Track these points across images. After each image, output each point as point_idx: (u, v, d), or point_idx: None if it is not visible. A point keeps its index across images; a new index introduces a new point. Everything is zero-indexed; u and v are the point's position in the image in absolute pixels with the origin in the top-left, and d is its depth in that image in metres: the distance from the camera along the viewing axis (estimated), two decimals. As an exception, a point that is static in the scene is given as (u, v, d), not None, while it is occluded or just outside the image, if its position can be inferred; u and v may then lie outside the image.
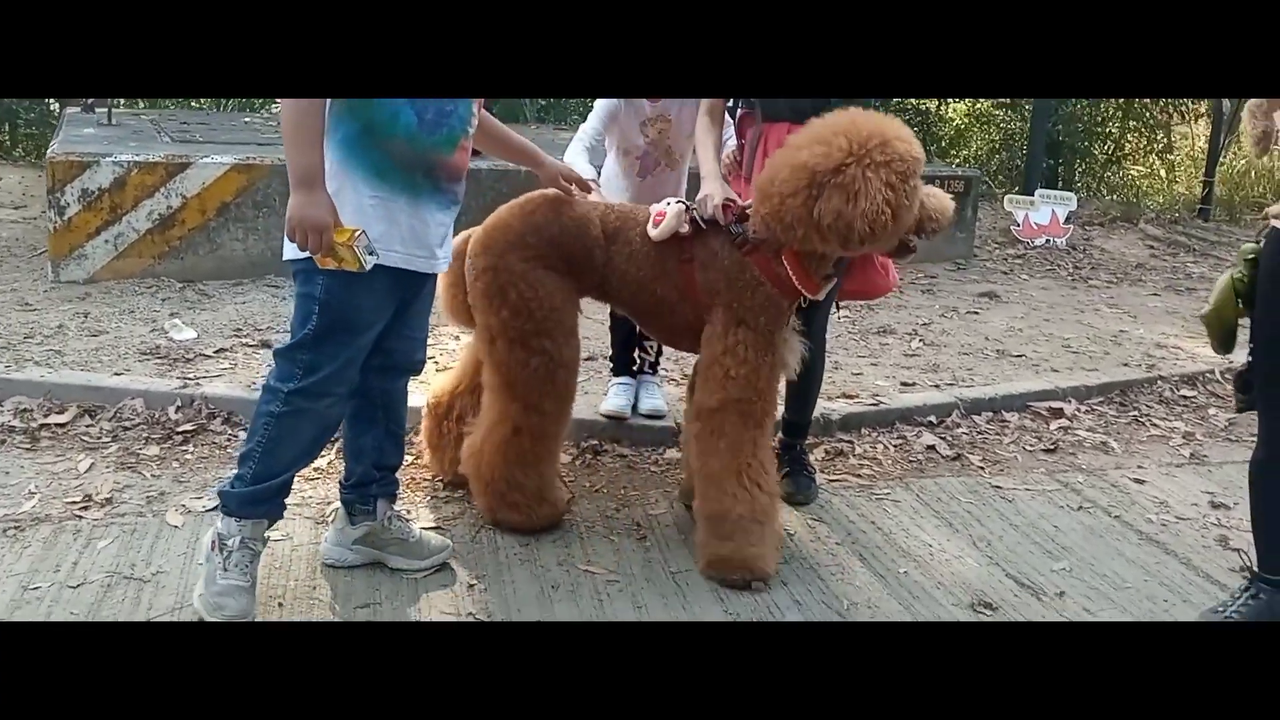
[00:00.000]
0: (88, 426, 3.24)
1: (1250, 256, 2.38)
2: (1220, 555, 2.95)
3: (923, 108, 11.80)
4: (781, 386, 2.75)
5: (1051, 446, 3.70)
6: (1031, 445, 3.72)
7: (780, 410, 3.08)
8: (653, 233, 2.65)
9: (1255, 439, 3.93)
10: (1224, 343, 2.54)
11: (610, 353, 3.61)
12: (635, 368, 3.53)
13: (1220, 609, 2.49)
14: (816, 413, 3.66)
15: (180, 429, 3.24)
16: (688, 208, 2.65)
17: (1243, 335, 2.49)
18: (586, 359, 3.67)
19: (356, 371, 2.30)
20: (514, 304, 2.61)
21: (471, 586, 2.53)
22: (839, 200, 2.32)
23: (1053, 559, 2.88)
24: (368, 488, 2.51)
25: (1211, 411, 4.17)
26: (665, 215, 2.65)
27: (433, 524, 2.81)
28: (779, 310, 2.57)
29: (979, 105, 12.31)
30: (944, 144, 12.38)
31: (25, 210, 6.12)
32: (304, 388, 2.23)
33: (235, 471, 2.31)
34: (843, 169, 2.32)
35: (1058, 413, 3.99)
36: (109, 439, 3.18)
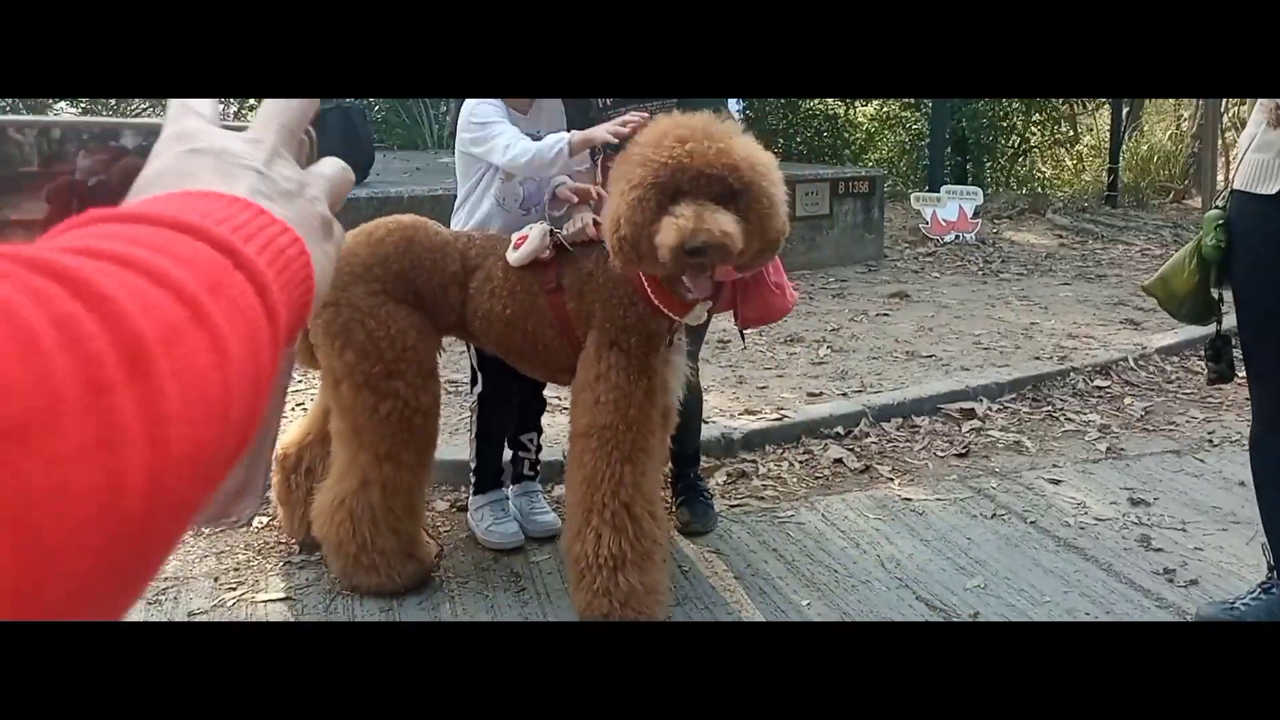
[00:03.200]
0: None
1: (1219, 222, 2.25)
2: (1143, 557, 2.77)
3: (831, 113, 11.78)
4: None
5: (963, 450, 3.52)
6: (943, 450, 3.53)
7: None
8: (512, 257, 2.39)
9: (1171, 427, 3.83)
10: (1185, 312, 2.42)
11: (473, 464, 2.82)
12: (508, 476, 2.90)
13: (1229, 604, 2.35)
14: (717, 433, 3.45)
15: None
16: (551, 230, 2.40)
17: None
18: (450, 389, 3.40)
19: None
20: (360, 344, 2.33)
21: (320, 664, 2.23)
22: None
23: (966, 576, 2.67)
24: None
25: (1127, 401, 4.03)
26: (527, 238, 2.39)
27: (282, 595, 2.51)
28: (652, 331, 2.32)
29: (887, 108, 12.33)
30: (856, 148, 12.38)
31: None
32: None
33: None
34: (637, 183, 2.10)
35: (969, 413, 3.82)
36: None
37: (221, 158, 0.47)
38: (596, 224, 2.37)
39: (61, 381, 0.28)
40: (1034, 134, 11.75)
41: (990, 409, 3.87)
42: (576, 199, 2.55)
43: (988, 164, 11.31)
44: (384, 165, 5.54)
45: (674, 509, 2.95)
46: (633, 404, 2.27)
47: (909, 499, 3.14)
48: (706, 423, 3.54)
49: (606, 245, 2.19)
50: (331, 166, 0.55)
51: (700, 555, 2.77)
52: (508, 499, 2.87)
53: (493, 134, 2.46)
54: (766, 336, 4.74)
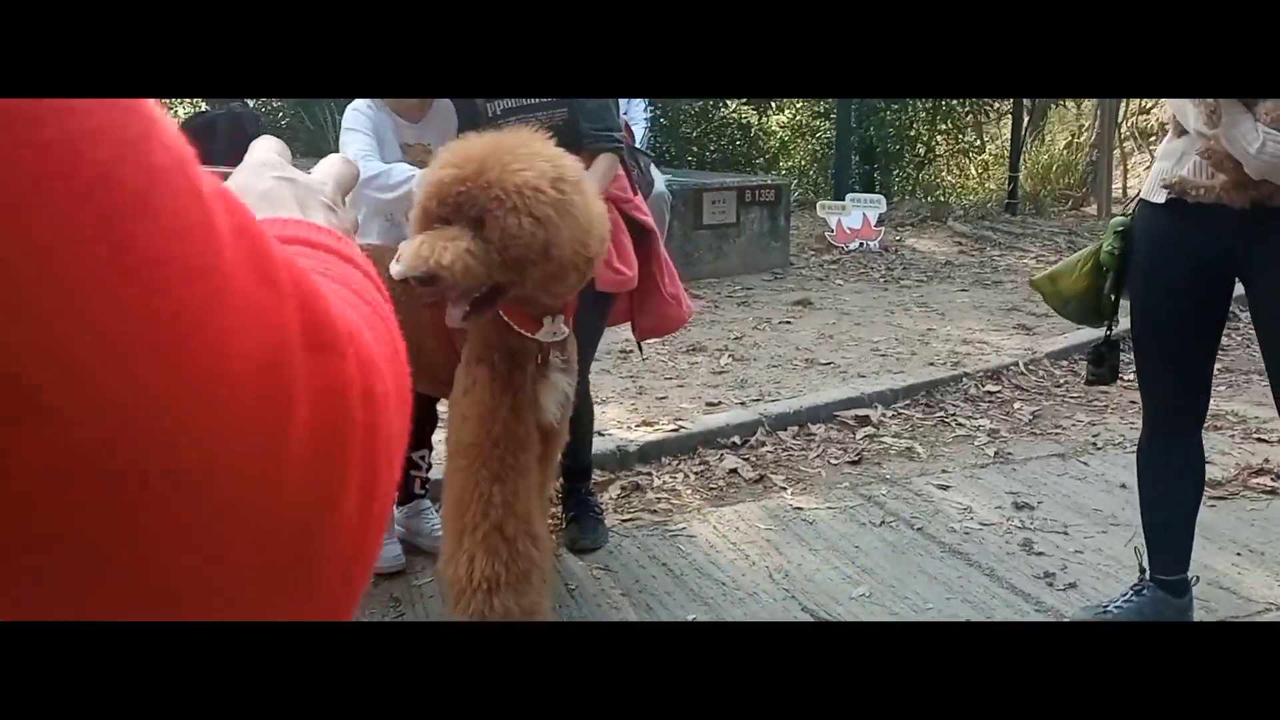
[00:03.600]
0: None
1: (1120, 229, 2.31)
2: (1025, 561, 2.82)
3: (745, 121, 11.88)
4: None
5: (856, 458, 3.55)
6: (837, 458, 3.55)
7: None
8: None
9: (1058, 430, 3.92)
10: (1071, 310, 2.47)
11: None
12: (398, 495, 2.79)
13: (1103, 607, 2.39)
14: (612, 446, 3.42)
15: None
16: None
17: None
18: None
19: None
20: None
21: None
22: None
23: (852, 584, 2.68)
24: None
25: (1016, 405, 4.11)
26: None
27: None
28: (513, 348, 2.26)
29: (799, 116, 12.49)
30: (770, 156, 12.52)
31: None
32: None
33: None
34: None
35: (864, 420, 3.85)
36: None
37: (300, 188, 0.57)
38: None
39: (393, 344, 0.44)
40: (939, 142, 12.01)
41: (884, 416, 3.91)
42: None
43: (895, 172, 11.52)
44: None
45: (564, 525, 2.91)
46: (497, 421, 2.21)
47: (800, 508, 3.15)
48: (602, 435, 3.51)
49: None
50: (334, 164, 0.64)
51: (588, 572, 2.73)
52: (393, 519, 2.80)
53: (347, 143, 2.41)
54: (669, 346, 4.73)
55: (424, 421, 2.83)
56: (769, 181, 6.81)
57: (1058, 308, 2.52)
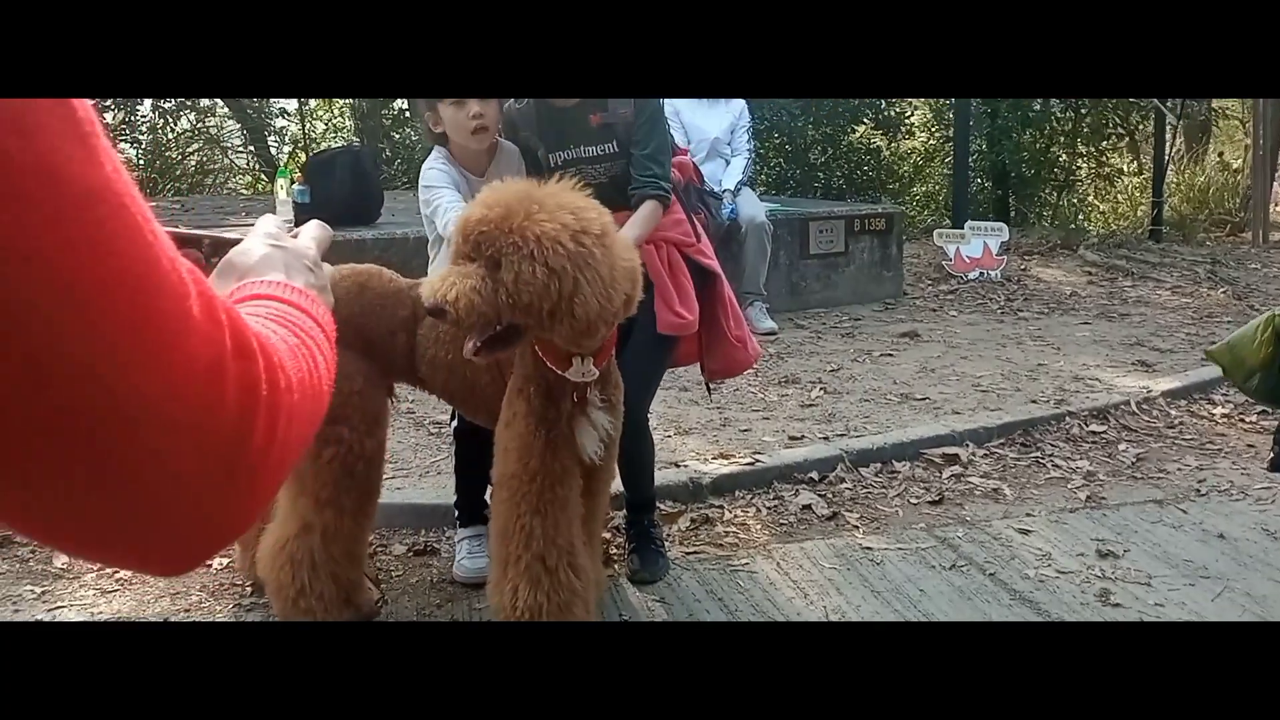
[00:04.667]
0: (-118, 547, 3.01)
1: None
2: (1097, 613, 2.70)
3: (873, 146, 11.71)
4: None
5: (938, 498, 3.46)
6: (917, 497, 3.48)
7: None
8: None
9: (1161, 475, 3.72)
10: (1256, 387, 2.20)
11: (454, 498, 2.95)
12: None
13: None
14: (685, 478, 3.45)
15: (-19, 543, 3.02)
16: None
17: None
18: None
19: None
20: None
21: (244, 708, 2.28)
22: None
23: (910, 629, 2.63)
24: None
25: (1121, 447, 3.93)
26: None
27: (224, 635, 2.57)
28: (550, 384, 2.32)
29: (931, 140, 12.25)
30: (904, 180, 12.30)
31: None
32: None
33: None
34: None
35: (952, 459, 3.76)
36: (-100, 560, 2.95)
37: (289, 254, 0.80)
38: None
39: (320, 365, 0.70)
40: (1080, 166, 11.55)
41: (975, 455, 3.81)
42: None
43: (1032, 197, 11.14)
44: (392, 205, 5.66)
45: (625, 556, 2.95)
46: (534, 454, 2.28)
47: (870, 548, 3.10)
48: (678, 466, 3.55)
49: None
50: (313, 230, 0.89)
51: (643, 604, 2.77)
52: (484, 537, 2.90)
53: (433, 200, 2.55)
54: (761, 378, 4.72)
55: None
56: (879, 210, 6.70)
57: (1240, 383, 2.26)
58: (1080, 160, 11.49)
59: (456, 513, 2.93)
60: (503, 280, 1.97)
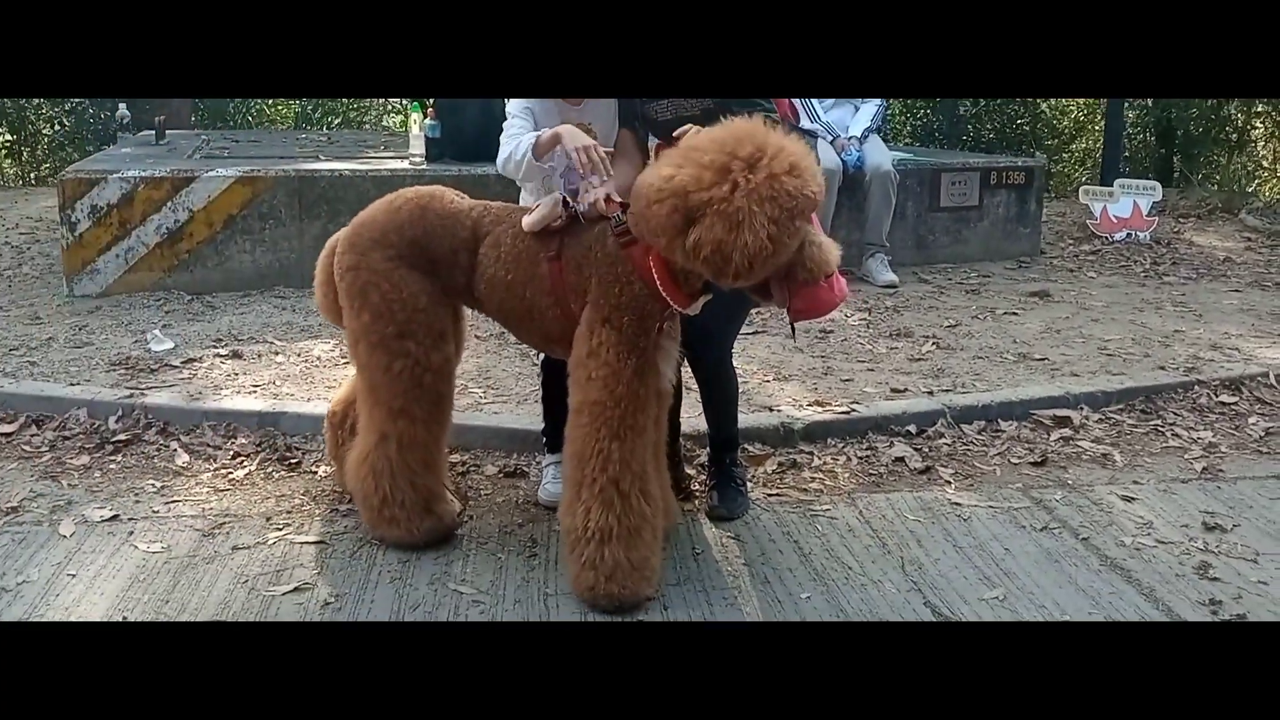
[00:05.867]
0: (32, 436, 3.30)
1: None
2: (1193, 585, 2.57)
3: (1034, 103, 11.11)
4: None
5: (1040, 459, 3.34)
6: (1019, 458, 3.36)
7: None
8: (526, 221, 2.49)
9: (1285, 451, 3.48)
10: None
11: (543, 425, 3.03)
12: None
13: None
14: (776, 422, 3.43)
15: (115, 439, 3.26)
16: (566, 200, 2.48)
17: None
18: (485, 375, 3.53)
19: None
20: (375, 305, 2.50)
21: (326, 605, 2.42)
22: (721, 230, 2.08)
23: (988, 586, 2.57)
24: None
25: (1252, 420, 3.69)
26: (540, 204, 2.50)
27: (317, 538, 2.73)
28: (647, 313, 2.36)
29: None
30: (1065, 136, 11.69)
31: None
32: None
33: None
34: (728, 198, 2.09)
35: (1063, 421, 3.61)
36: (46, 448, 3.23)
37: None
38: (609, 199, 2.42)
39: None
40: (1256, 126, 10.72)
41: (1088, 418, 3.64)
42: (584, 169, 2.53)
43: (1198, 157, 10.42)
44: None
45: (705, 492, 2.97)
46: (621, 381, 2.32)
47: (959, 503, 3.02)
48: (771, 411, 3.53)
49: (698, 249, 2.15)
50: None
51: (718, 540, 2.79)
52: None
53: (505, 129, 2.60)
54: (872, 329, 4.63)
55: None
56: (1018, 163, 6.40)
57: None
58: (1256, 120, 10.67)
59: (545, 440, 3.01)
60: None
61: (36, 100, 9.65)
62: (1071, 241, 6.82)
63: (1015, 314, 5.01)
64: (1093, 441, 3.50)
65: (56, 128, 9.77)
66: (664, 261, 2.31)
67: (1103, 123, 11.32)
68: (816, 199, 2.15)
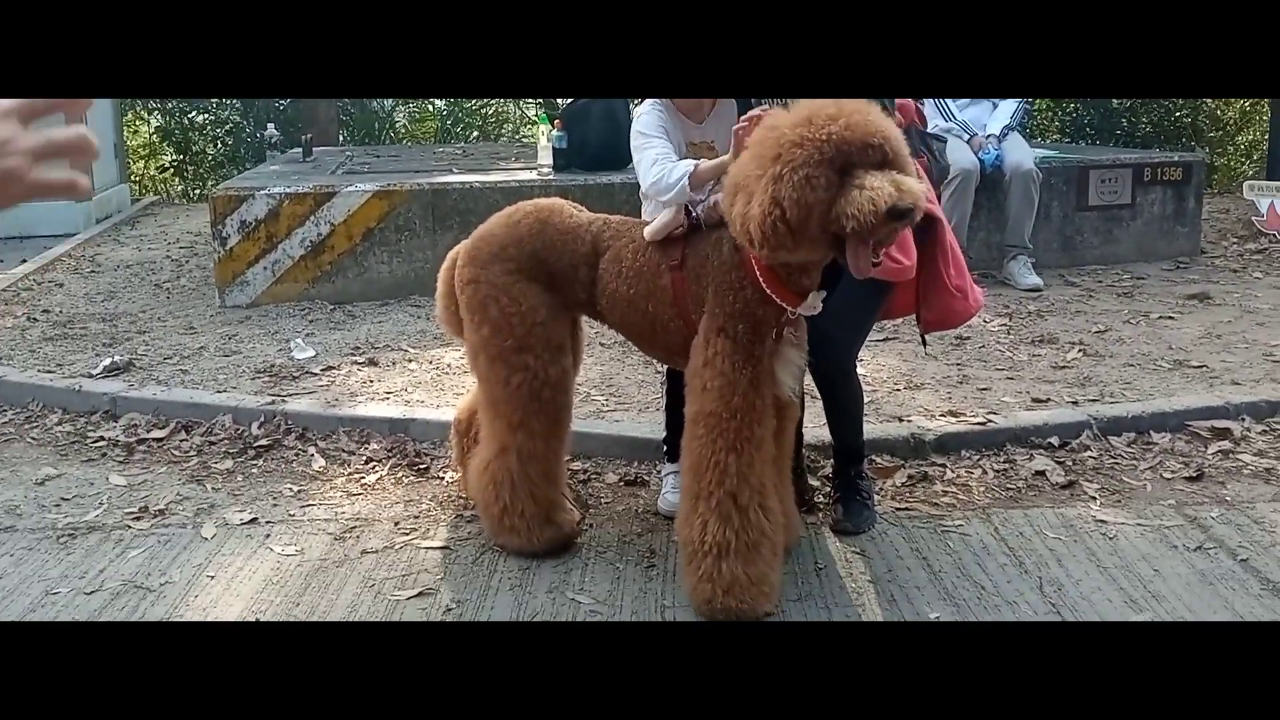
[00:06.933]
0: (181, 441, 3.48)
1: None
2: (1371, 616, 2.34)
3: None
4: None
5: (1196, 474, 3.11)
6: (1172, 472, 3.15)
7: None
8: (647, 230, 2.48)
9: None
10: None
11: (664, 434, 3.01)
12: None
13: None
14: (906, 433, 3.31)
15: (257, 444, 3.41)
16: (687, 208, 2.45)
17: None
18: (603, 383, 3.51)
19: None
20: (494, 319, 2.52)
21: (449, 610, 2.46)
22: (742, 204, 2.05)
23: (1134, 609, 2.40)
24: None
25: None
26: (661, 214, 2.48)
27: (442, 544, 2.77)
28: (760, 319, 2.30)
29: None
30: (1230, 127, 10.99)
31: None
32: None
33: None
34: (764, 172, 2.03)
35: (1223, 433, 3.36)
36: (193, 453, 3.40)
37: None
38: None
39: None
40: None
41: (1250, 430, 3.38)
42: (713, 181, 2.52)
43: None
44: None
45: (830, 505, 2.89)
46: (737, 392, 2.27)
47: (1104, 520, 2.84)
48: (901, 421, 3.41)
49: (737, 233, 2.18)
50: None
51: (842, 554, 2.70)
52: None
53: (644, 147, 2.54)
54: (1013, 335, 4.42)
55: None
56: (1175, 158, 6.01)
57: None
58: None
59: (665, 448, 2.98)
60: None
61: (200, 120, 10.27)
62: (1235, 240, 6.37)
63: (1171, 318, 4.71)
64: (1255, 455, 3.24)
65: (219, 146, 10.36)
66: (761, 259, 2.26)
67: (1269, 114, 10.63)
68: (854, 142, 2.01)
